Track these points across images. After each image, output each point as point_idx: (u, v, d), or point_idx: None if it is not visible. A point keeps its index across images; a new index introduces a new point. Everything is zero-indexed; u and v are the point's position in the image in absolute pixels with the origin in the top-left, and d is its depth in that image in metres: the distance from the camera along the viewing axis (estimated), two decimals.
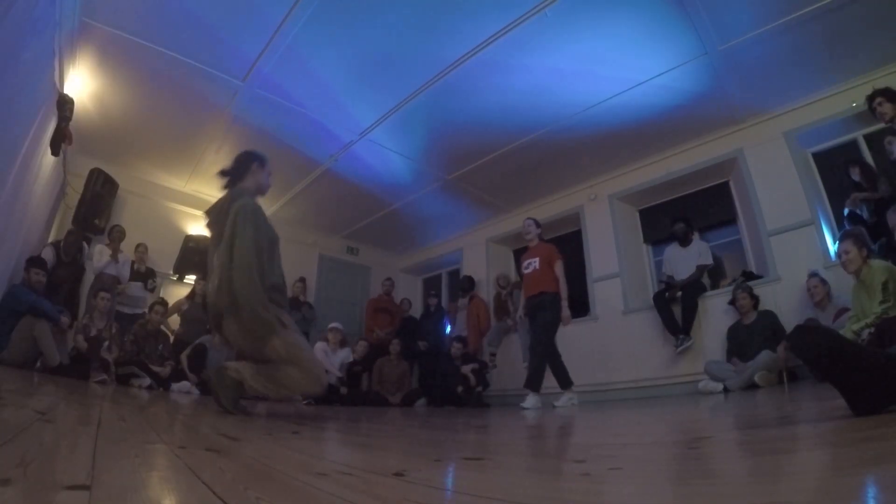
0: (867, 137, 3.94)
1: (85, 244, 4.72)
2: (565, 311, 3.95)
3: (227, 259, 2.10)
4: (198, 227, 5.90)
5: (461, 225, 6.83)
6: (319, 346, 5.26)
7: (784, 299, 3.89)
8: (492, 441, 1.56)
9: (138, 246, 5.06)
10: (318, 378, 2.18)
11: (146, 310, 4.74)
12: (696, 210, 5.04)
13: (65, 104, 3.66)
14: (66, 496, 0.48)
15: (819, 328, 1.92)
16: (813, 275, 3.58)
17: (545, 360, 3.93)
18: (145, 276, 5.06)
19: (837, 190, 3.97)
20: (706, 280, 4.59)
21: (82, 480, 0.55)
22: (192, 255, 5.61)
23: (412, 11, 3.21)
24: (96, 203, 4.84)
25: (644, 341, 4.67)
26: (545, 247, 4.26)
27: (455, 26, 3.34)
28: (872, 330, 2.52)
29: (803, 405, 2.03)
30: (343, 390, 5.09)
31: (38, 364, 3.81)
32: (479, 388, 5.25)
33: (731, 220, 4.87)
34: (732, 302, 3.98)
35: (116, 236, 4.84)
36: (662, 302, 4.43)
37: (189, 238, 5.71)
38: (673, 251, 4.69)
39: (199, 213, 5.88)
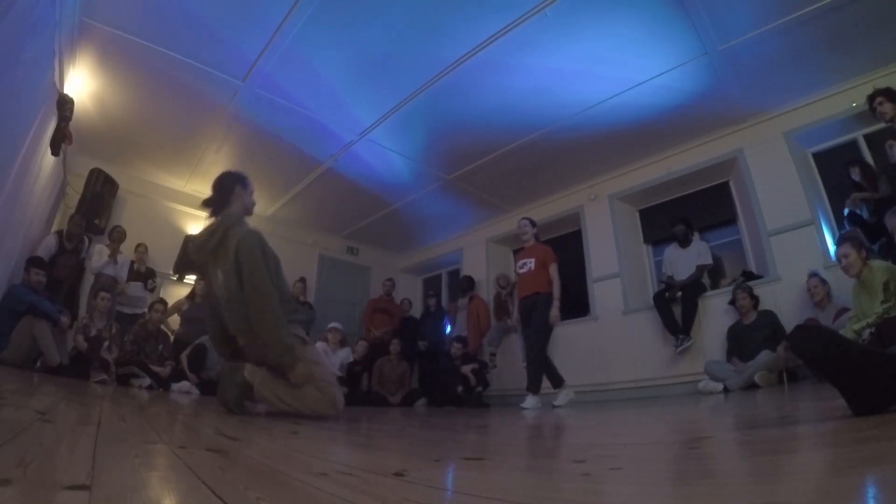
0: (867, 137, 3.94)
1: (86, 238, 4.71)
2: (554, 311, 3.98)
3: (238, 290, 2.09)
4: (198, 227, 5.90)
5: (461, 225, 6.83)
6: (319, 346, 5.25)
7: (784, 299, 3.89)
8: (492, 441, 1.56)
9: (138, 246, 5.06)
10: (333, 400, 2.18)
11: (146, 310, 4.74)
12: (696, 210, 5.04)
13: (65, 104, 3.66)
14: (66, 496, 0.48)
15: (819, 328, 1.92)
16: (813, 275, 3.58)
17: (542, 363, 3.96)
18: (145, 276, 5.06)
19: (837, 190, 3.97)
20: (706, 280, 4.60)
21: (82, 480, 0.55)
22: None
23: (412, 11, 3.21)
24: (96, 203, 4.84)
25: (644, 341, 4.67)
26: (541, 247, 4.27)
27: (455, 26, 3.34)
28: (873, 330, 2.52)
29: (803, 405, 2.03)
30: (343, 390, 5.09)
31: (38, 364, 3.81)
32: (479, 388, 5.25)
33: (731, 220, 4.87)
34: (732, 302, 3.98)
35: (117, 237, 4.84)
36: (662, 302, 4.43)
37: (189, 238, 5.71)
38: (672, 252, 4.70)
39: (200, 213, 5.92)
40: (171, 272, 5.58)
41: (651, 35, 3.43)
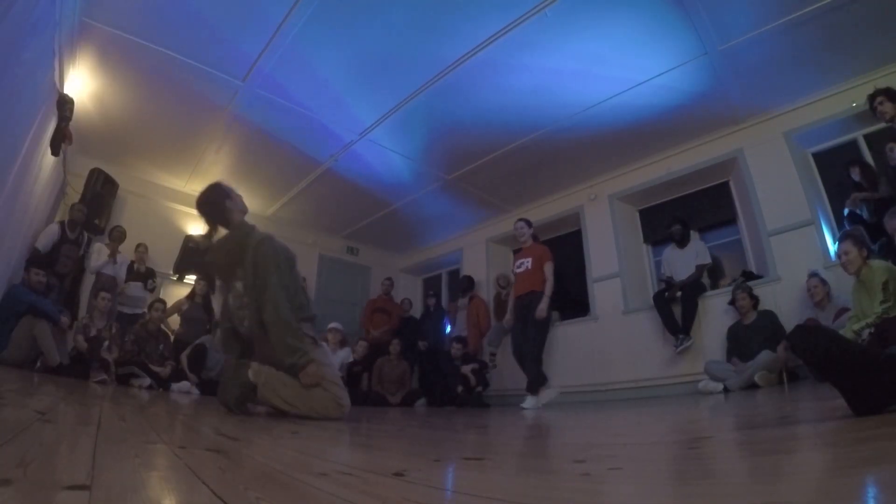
0: (867, 137, 3.94)
1: (86, 234, 4.70)
2: (542, 305, 4.05)
3: (254, 295, 2.16)
4: (198, 227, 5.90)
5: (461, 225, 6.83)
6: None
7: (784, 299, 3.89)
8: (492, 441, 1.56)
9: (138, 246, 5.05)
10: (339, 402, 2.17)
11: (146, 310, 4.74)
12: (696, 210, 5.04)
13: (65, 104, 3.66)
14: (66, 496, 0.48)
15: (819, 328, 1.92)
16: (813, 275, 3.58)
17: (541, 363, 3.98)
18: (145, 276, 5.06)
19: (837, 190, 3.97)
20: (706, 280, 4.60)
21: (82, 480, 0.55)
22: (192, 255, 5.61)
23: (412, 11, 3.21)
24: (96, 203, 4.84)
25: (644, 341, 4.67)
26: (539, 247, 4.34)
27: (455, 26, 3.34)
28: (872, 330, 2.52)
29: (803, 405, 2.03)
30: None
31: (38, 364, 3.81)
32: (479, 388, 5.24)
33: (731, 220, 4.87)
34: (732, 302, 3.98)
35: (117, 237, 4.84)
36: (662, 302, 4.43)
37: (189, 238, 5.71)
38: (670, 252, 4.70)
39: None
40: (171, 272, 5.58)
41: (651, 35, 3.43)
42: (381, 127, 4.52)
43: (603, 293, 5.20)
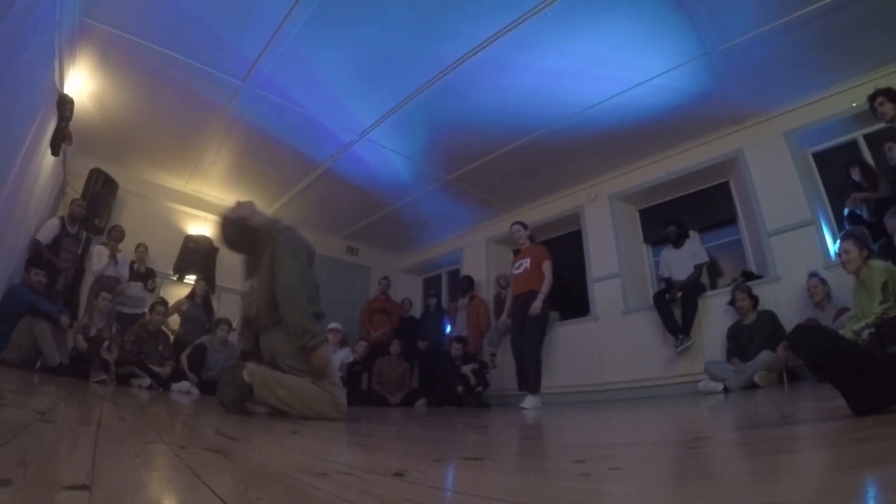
0: (867, 137, 3.94)
1: (84, 232, 4.70)
2: (537, 303, 4.06)
3: (277, 273, 2.18)
4: (198, 227, 5.90)
5: (461, 225, 6.83)
6: None
7: (784, 299, 3.89)
8: (492, 441, 1.56)
9: (138, 246, 5.05)
10: (337, 402, 2.17)
11: (146, 310, 4.74)
12: (696, 210, 5.04)
13: (65, 104, 3.66)
14: (66, 496, 0.48)
15: (819, 328, 1.92)
16: (813, 275, 3.58)
17: (539, 361, 3.98)
18: (145, 276, 5.06)
19: (837, 190, 3.97)
20: (706, 280, 4.60)
21: (82, 480, 0.55)
22: (192, 255, 5.61)
23: (412, 11, 3.21)
24: (96, 203, 4.84)
25: (644, 341, 4.67)
26: (536, 248, 4.36)
27: (455, 26, 3.34)
28: (872, 330, 2.52)
29: (803, 405, 2.03)
30: (343, 391, 5.09)
31: (38, 364, 3.81)
32: (479, 388, 5.24)
33: (731, 219, 4.87)
34: (732, 302, 3.98)
35: (116, 236, 4.83)
36: (662, 302, 4.43)
37: (189, 238, 5.71)
38: (667, 253, 4.71)
39: (200, 213, 5.91)
40: (171, 272, 5.58)
41: (651, 35, 3.43)
42: (380, 127, 4.52)
43: (603, 293, 5.20)
